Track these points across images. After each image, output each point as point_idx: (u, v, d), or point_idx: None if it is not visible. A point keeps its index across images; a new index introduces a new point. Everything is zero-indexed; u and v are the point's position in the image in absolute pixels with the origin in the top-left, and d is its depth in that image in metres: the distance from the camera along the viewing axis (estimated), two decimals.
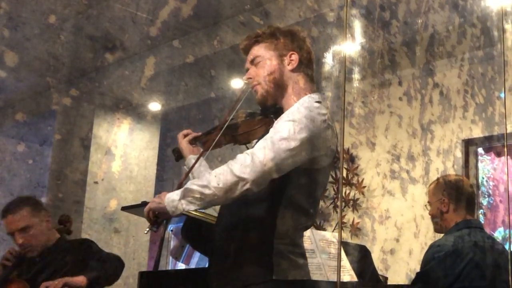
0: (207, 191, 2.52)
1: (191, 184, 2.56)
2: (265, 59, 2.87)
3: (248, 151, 2.59)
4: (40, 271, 4.08)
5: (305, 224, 2.78)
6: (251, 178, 2.50)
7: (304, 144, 2.58)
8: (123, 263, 4.19)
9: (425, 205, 4.32)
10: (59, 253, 4.15)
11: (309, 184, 2.69)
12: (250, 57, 2.93)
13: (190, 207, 2.57)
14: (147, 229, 2.78)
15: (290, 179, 2.63)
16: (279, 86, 2.85)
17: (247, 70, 2.94)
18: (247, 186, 2.50)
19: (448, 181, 4.30)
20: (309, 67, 2.92)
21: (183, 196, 2.56)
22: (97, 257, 4.08)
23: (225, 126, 2.90)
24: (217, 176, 2.52)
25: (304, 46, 2.92)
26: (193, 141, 3.17)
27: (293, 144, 2.55)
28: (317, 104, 2.70)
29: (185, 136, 3.16)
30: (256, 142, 2.84)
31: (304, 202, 2.70)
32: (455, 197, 4.11)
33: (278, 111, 2.89)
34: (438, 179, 4.37)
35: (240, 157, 2.56)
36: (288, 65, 2.86)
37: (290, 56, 2.87)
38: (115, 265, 4.12)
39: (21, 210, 4.10)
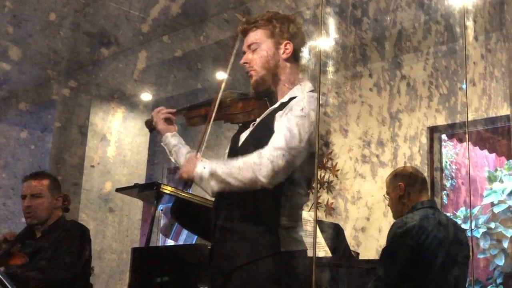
0: (230, 180, 2.50)
1: (218, 168, 2.54)
2: (262, 47, 2.75)
3: (266, 151, 2.51)
4: (41, 248, 4.06)
5: (303, 202, 2.74)
6: (266, 181, 2.47)
7: (311, 139, 2.60)
8: (71, 272, 3.99)
9: (384, 195, 4.26)
10: (58, 231, 4.14)
11: (304, 165, 2.62)
12: (247, 41, 2.80)
13: (214, 189, 2.56)
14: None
15: None
16: (272, 74, 2.76)
17: (244, 53, 2.83)
18: (263, 185, 2.48)
19: (404, 170, 4.28)
20: (302, 54, 2.81)
21: (210, 177, 2.54)
22: (58, 256, 4.01)
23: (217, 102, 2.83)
24: (240, 169, 2.49)
25: (299, 35, 2.79)
26: (168, 119, 3.11)
27: (302, 144, 2.57)
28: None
29: (158, 112, 3.12)
30: (251, 123, 2.80)
31: (302, 182, 2.66)
32: (421, 181, 4.08)
33: (270, 95, 2.82)
34: (394, 170, 4.32)
35: (260, 156, 2.50)
36: (283, 54, 2.75)
37: (285, 45, 2.75)
38: (57, 275, 3.97)
39: (42, 180, 4.21)
